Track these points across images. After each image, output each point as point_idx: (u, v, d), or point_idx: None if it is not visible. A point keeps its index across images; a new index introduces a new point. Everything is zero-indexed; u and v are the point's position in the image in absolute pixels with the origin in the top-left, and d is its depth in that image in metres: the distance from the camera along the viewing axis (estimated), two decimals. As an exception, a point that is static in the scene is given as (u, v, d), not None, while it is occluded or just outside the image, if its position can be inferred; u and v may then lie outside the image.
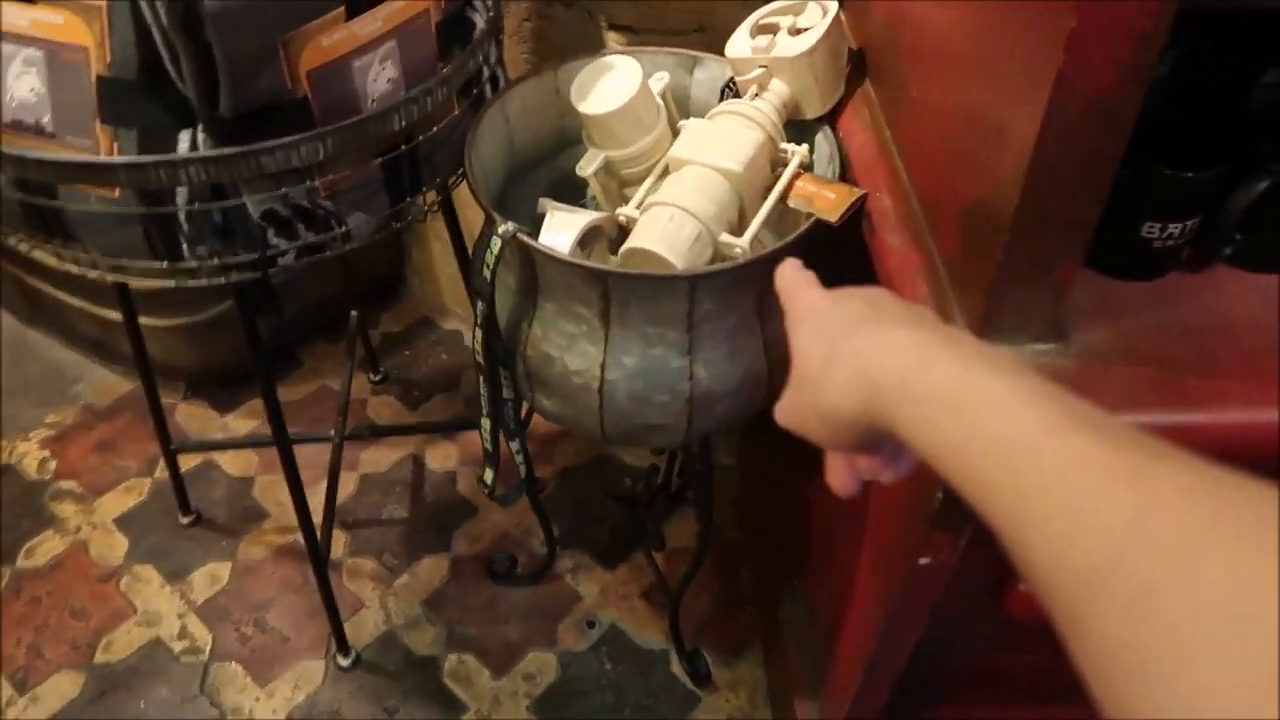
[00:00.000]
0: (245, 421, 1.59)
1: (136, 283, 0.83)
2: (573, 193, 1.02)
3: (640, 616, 1.36)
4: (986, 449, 0.34)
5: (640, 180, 0.89)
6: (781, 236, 0.85)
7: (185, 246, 0.80)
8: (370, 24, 0.74)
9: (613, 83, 0.85)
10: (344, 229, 0.83)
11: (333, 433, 1.36)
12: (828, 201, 0.80)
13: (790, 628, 1.21)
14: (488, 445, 0.96)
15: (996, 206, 0.63)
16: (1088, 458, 0.30)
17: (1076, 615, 0.28)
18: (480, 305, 0.83)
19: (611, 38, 1.07)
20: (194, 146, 0.76)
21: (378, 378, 1.65)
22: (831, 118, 0.90)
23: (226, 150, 0.73)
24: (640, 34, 1.05)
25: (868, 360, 0.41)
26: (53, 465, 1.52)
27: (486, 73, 0.89)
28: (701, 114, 0.97)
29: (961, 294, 0.69)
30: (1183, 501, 0.27)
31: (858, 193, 0.80)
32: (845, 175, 0.85)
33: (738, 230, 0.82)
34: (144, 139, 0.76)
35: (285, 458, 1.08)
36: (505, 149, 0.95)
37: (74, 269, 0.83)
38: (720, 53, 1.02)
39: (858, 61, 0.91)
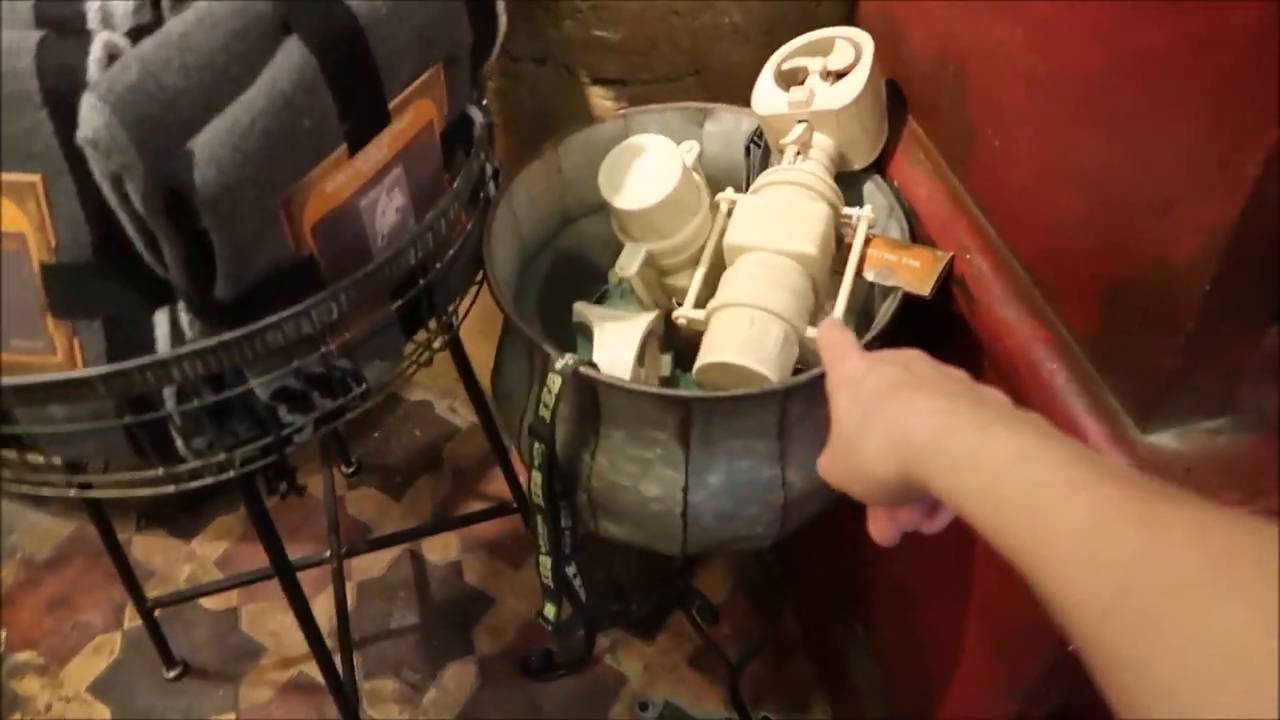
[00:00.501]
0: (214, 545, 1.43)
1: (119, 495, 0.68)
2: (579, 270, 0.91)
3: (694, 687, 1.27)
4: (1009, 504, 0.36)
5: (684, 268, 0.78)
6: (850, 309, 0.76)
7: (180, 442, 0.66)
8: (376, 154, 0.61)
9: (646, 167, 0.74)
10: (364, 387, 0.70)
11: (328, 554, 1.22)
12: (913, 271, 0.71)
13: (862, 679, 1.14)
14: (549, 582, 0.85)
15: (1168, 287, 0.55)
16: (1102, 505, 0.33)
17: (1092, 646, 0.31)
18: (538, 447, 0.72)
19: (596, 94, 0.95)
20: (176, 328, 0.62)
21: (351, 469, 1.50)
22: (879, 165, 0.81)
23: (225, 335, 0.60)
24: (630, 85, 0.93)
25: (901, 425, 0.43)
26: (3, 636, 1.34)
27: (489, 170, 0.77)
28: (717, 170, 0.87)
29: (1112, 377, 0.61)
30: (1191, 541, 0.29)
31: (944, 257, 0.71)
32: (915, 234, 0.76)
33: (817, 317, 0.73)
34: (111, 329, 0.62)
35: (290, 588, 0.93)
36: (516, 245, 0.83)
37: (38, 491, 0.69)
38: (724, 97, 0.92)
39: (893, 95, 0.82)
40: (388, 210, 0.65)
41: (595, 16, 0.88)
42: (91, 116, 0.47)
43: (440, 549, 1.42)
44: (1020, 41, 0.64)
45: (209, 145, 0.49)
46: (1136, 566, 0.30)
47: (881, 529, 0.51)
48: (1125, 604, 0.30)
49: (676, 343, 0.83)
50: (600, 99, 0.95)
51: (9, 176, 0.57)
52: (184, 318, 0.62)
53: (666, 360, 0.79)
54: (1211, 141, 0.49)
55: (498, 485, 1.43)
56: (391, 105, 0.61)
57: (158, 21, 0.54)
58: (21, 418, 0.63)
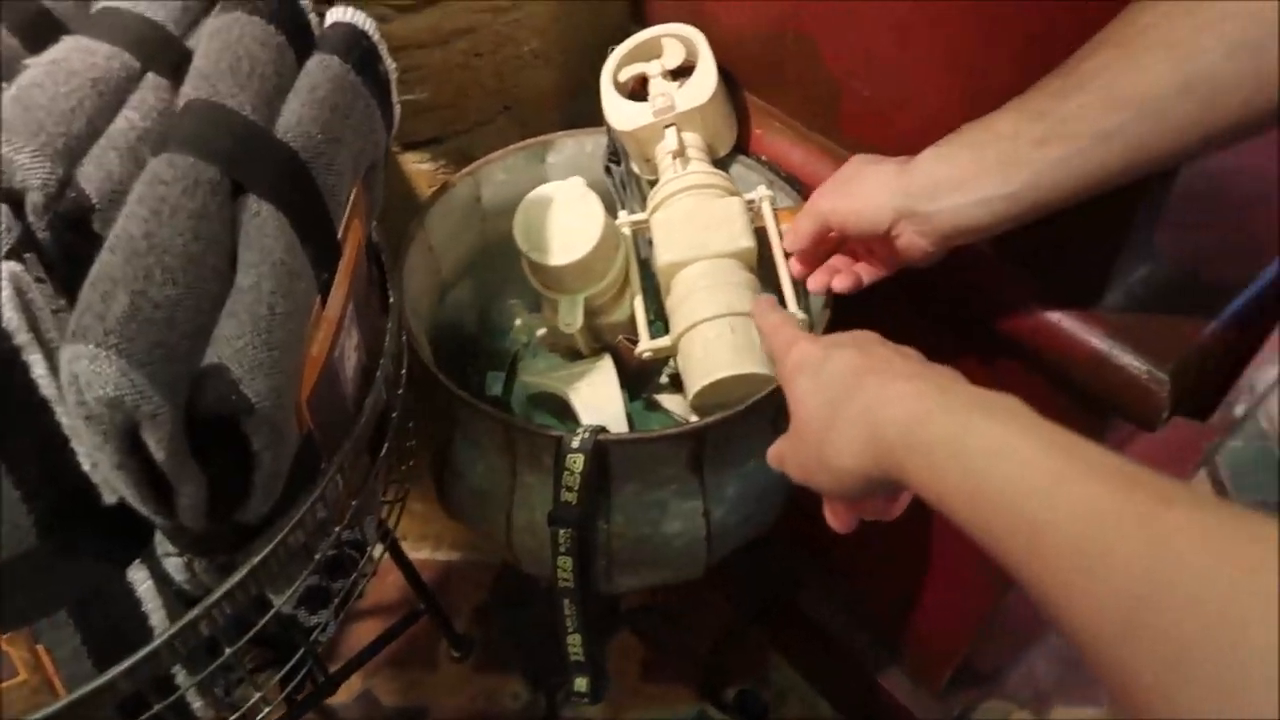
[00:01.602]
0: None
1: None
2: (453, 341, 0.86)
3: (659, 698, 1.27)
4: (994, 499, 0.35)
5: (612, 304, 0.76)
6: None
7: (201, 705, 0.55)
8: (338, 295, 0.53)
9: (560, 217, 0.71)
10: (369, 552, 0.62)
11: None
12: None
13: (829, 622, 1.18)
14: (579, 658, 0.80)
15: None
16: (1097, 505, 0.31)
17: (1107, 668, 0.29)
18: (565, 534, 0.67)
19: (411, 160, 0.88)
20: (161, 580, 0.51)
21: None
22: (739, 146, 0.83)
23: (243, 571, 0.50)
24: (445, 141, 0.87)
25: (873, 417, 0.42)
26: None
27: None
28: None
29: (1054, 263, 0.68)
30: (1197, 544, 0.28)
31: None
32: (803, 194, 0.79)
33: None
34: (83, 616, 0.50)
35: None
36: (423, 334, 0.76)
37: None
38: (537, 123, 0.90)
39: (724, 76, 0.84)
40: (349, 353, 0.57)
41: (398, 82, 0.81)
42: (100, 370, 0.37)
43: (342, 690, 1.28)
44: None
45: (242, 353, 0.41)
46: (1146, 580, 0.28)
47: (842, 519, 0.49)
48: (1141, 626, 0.28)
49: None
50: (416, 165, 0.88)
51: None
52: (171, 563, 0.51)
53: (624, 397, 0.76)
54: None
55: (383, 593, 1.32)
56: (339, 236, 0.53)
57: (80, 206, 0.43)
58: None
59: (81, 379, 0.37)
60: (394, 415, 0.63)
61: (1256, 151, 0.79)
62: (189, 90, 0.47)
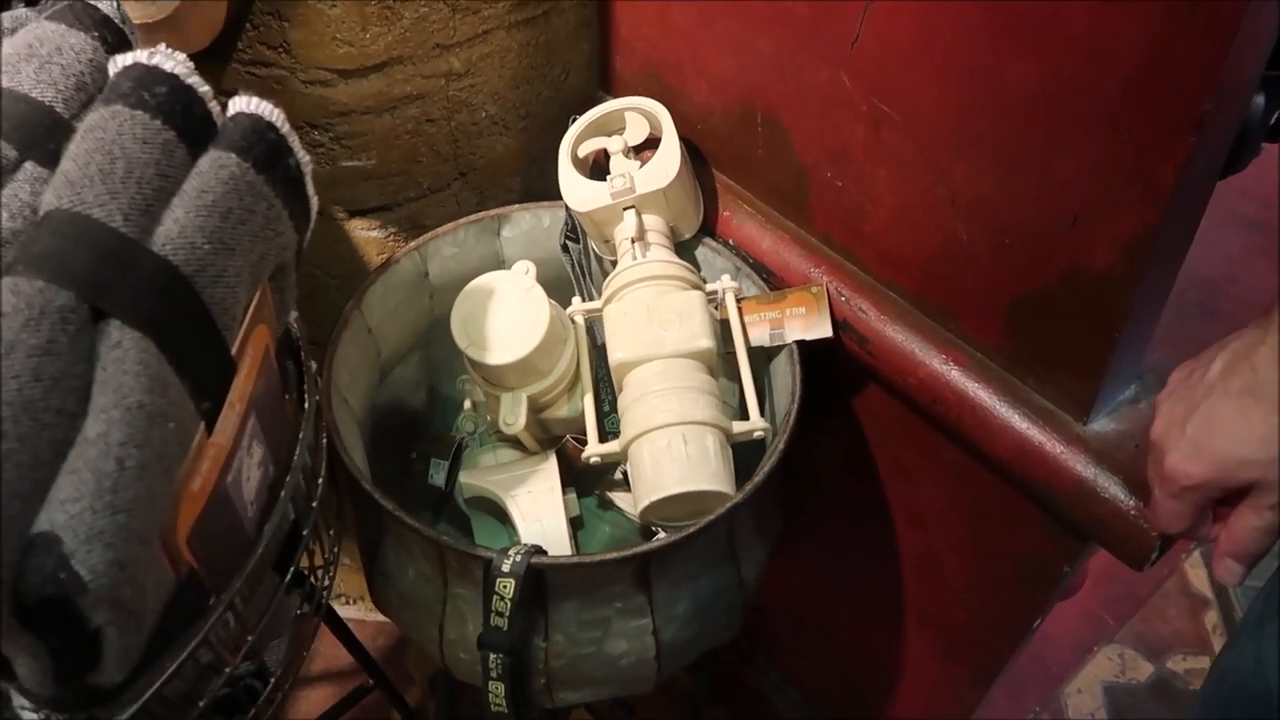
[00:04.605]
0: None
1: None
2: (396, 421, 0.80)
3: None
4: None
5: (559, 398, 0.70)
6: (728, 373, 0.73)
7: None
8: (230, 417, 0.48)
9: (502, 310, 0.65)
10: (272, 679, 0.56)
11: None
12: (802, 319, 0.69)
13: (785, 707, 1.13)
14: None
15: (1088, 293, 0.57)
16: None
17: None
18: (496, 659, 0.61)
19: (358, 228, 0.82)
20: (15, 731, 0.45)
21: None
22: (706, 227, 0.78)
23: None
24: (395, 208, 0.82)
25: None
26: None
27: (312, 367, 0.64)
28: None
29: (1037, 381, 0.63)
30: None
31: (822, 290, 0.69)
32: (773, 286, 0.74)
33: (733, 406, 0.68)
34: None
35: None
36: (353, 426, 0.70)
37: None
38: (493, 190, 0.85)
39: (691, 153, 0.79)
40: (251, 472, 0.52)
41: (341, 147, 0.76)
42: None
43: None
44: (849, 86, 0.63)
45: (78, 519, 0.35)
46: None
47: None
48: None
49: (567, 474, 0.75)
50: (364, 232, 0.83)
51: None
52: (27, 718, 0.46)
53: (572, 500, 0.71)
54: (1116, 158, 0.51)
55: (332, 658, 1.26)
56: (234, 351, 0.48)
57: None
58: None
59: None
60: (305, 531, 0.57)
61: (1252, 262, 0.74)
62: (51, 199, 0.41)
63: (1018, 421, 0.63)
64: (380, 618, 1.32)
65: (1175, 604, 1.35)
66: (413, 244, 0.76)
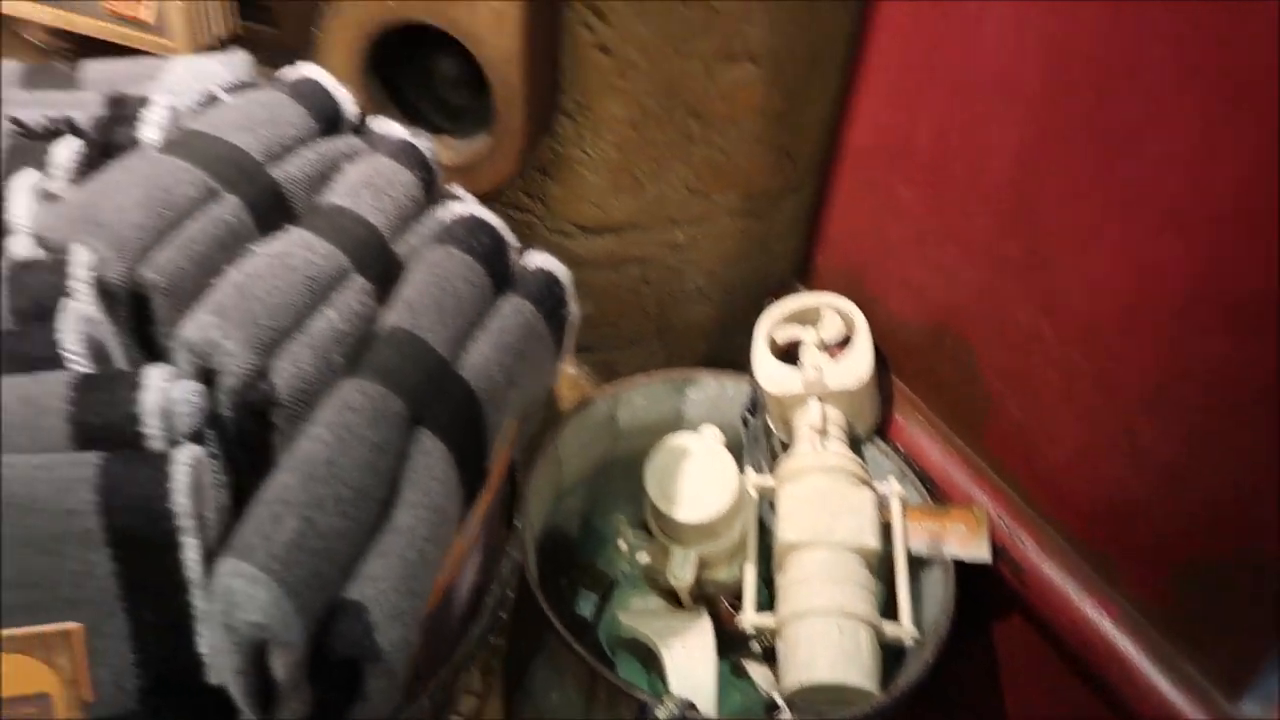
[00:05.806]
0: None
1: None
2: (561, 547, 0.85)
3: None
4: None
5: (722, 561, 0.75)
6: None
7: None
8: (473, 522, 0.54)
9: (696, 471, 0.71)
10: None
11: None
12: (962, 536, 0.73)
13: None
14: None
15: (1258, 571, 0.59)
16: None
17: None
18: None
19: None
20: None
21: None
22: (879, 429, 0.83)
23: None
24: (596, 351, 0.90)
25: None
26: None
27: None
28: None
29: (1193, 649, 0.64)
30: None
31: (984, 513, 0.73)
32: (936, 499, 0.78)
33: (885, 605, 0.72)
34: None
35: None
36: (552, 494, 0.77)
37: None
38: (682, 351, 0.92)
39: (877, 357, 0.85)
40: (468, 573, 0.58)
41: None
42: (255, 594, 0.38)
43: None
44: (1048, 332, 0.69)
45: (385, 595, 0.41)
46: None
47: None
48: None
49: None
50: (566, 367, 0.91)
51: (35, 630, 0.45)
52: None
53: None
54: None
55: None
56: (487, 466, 0.54)
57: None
58: None
59: (234, 596, 0.38)
60: (490, 635, 0.62)
61: None
62: (393, 318, 0.49)
63: (1164, 686, 0.64)
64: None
65: None
66: (609, 389, 0.83)
